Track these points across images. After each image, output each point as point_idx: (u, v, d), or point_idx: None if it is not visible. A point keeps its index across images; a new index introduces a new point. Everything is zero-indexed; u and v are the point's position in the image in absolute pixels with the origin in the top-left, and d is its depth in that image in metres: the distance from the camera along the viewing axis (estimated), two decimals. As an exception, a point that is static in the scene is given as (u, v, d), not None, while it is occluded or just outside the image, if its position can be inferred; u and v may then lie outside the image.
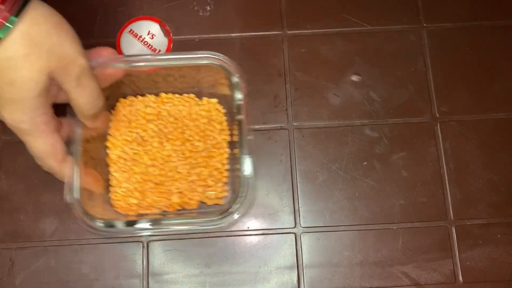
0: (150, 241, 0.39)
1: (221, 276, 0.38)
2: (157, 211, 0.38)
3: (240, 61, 0.43)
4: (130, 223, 0.35)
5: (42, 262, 0.38)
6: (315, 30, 0.44)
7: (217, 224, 0.34)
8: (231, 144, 0.40)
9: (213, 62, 0.37)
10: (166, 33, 0.43)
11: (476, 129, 0.42)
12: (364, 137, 0.41)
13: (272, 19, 0.44)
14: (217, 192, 0.39)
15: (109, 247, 0.39)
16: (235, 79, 0.37)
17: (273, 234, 0.39)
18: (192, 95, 0.41)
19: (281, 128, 0.42)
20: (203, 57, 0.37)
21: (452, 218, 0.40)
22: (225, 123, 0.40)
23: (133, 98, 0.41)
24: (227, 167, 0.39)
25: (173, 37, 0.43)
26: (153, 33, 0.43)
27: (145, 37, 0.42)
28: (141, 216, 0.38)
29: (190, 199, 0.38)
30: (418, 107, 0.42)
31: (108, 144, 0.39)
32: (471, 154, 0.41)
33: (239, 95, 0.37)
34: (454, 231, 0.39)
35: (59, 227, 0.39)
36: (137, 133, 0.39)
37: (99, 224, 0.34)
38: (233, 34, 0.44)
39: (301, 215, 0.40)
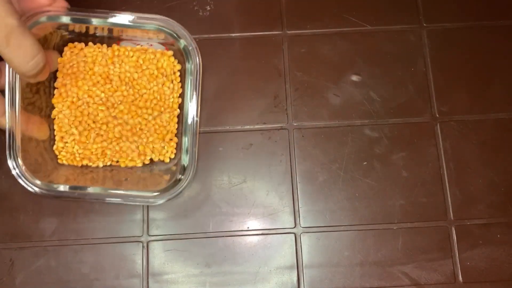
0: (150, 241, 0.39)
1: (221, 276, 0.38)
2: (101, 164, 0.39)
3: (240, 61, 0.43)
4: (72, 188, 0.35)
5: (42, 262, 0.38)
6: (315, 30, 0.44)
7: (158, 199, 0.35)
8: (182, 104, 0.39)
9: (162, 27, 0.36)
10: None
11: (476, 129, 0.42)
12: (364, 137, 0.41)
13: (272, 19, 0.44)
14: (165, 149, 0.39)
15: (109, 247, 0.39)
16: (183, 43, 0.35)
17: (273, 234, 0.39)
18: (145, 47, 0.40)
19: (281, 128, 0.42)
20: (151, 21, 0.35)
21: (452, 218, 0.40)
22: (178, 79, 0.40)
23: (82, 45, 0.39)
24: (176, 126, 0.39)
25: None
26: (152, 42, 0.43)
27: (144, 45, 0.42)
28: (84, 170, 0.39)
29: (133, 158, 0.39)
30: (418, 107, 0.42)
31: (53, 100, 0.39)
32: (471, 154, 0.41)
33: (190, 65, 0.36)
34: (454, 231, 0.39)
35: (59, 227, 0.39)
36: (83, 98, 0.39)
37: (38, 182, 0.34)
38: (233, 34, 0.44)
39: (301, 215, 0.40)
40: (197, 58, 0.36)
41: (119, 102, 0.39)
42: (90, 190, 0.35)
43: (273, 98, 0.42)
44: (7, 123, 0.34)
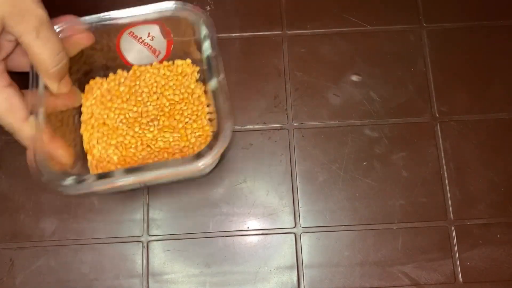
0: (150, 241, 0.39)
1: (221, 276, 0.38)
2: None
3: (240, 61, 0.43)
4: (102, 176, 0.31)
5: (42, 262, 0.38)
6: (315, 30, 0.44)
7: (195, 164, 0.31)
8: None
9: (179, 12, 0.35)
10: (166, 34, 0.43)
11: (476, 129, 0.42)
12: (364, 137, 0.41)
13: (272, 19, 0.44)
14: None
15: (109, 247, 0.39)
16: (204, 30, 0.35)
17: (273, 234, 0.39)
18: (164, 63, 0.40)
19: (281, 128, 0.42)
20: (167, 7, 0.35)
21: (452, 218, 0.40)
22: (201, 86, 0.39)
23: (102, 80, 0.39)
24: (208, 128, 0.38)
25: (174, 38, 0.43)
26: (153, 35, 0.43)
27: (145, 39, 0.42)
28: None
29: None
30: (418, 107, 0.42)
31: (82, 130, 0.38)
32: (471, 154, 0.41)
33: (208, 47, 0.35)
34: (454, 231, 0.39)
35: (59, 227, 0.39)
36: (115, 118, 0.38)
37: (69, 182, 0.31)
38: (233, 34, 0.44)
39: (301, 215, 0.40)
40: (214, 31, 0.35)
41: (153, 115, 0.38)
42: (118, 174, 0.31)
43: (273, 98, 0.42)
44: (29, 132, 0.32)
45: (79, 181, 0.31)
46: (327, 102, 0.42)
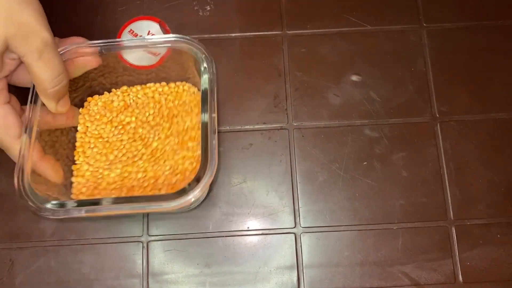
0: (150, 241, 0.39)
1: (221, 276, 0.38)
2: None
3: (240, 61, 0.43)
4: (81, 203, 0.31)
5: (42, 262, 0.38)
6: (315, 30, 0.44)
7: (173, 204, 0.31)
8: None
9: (182, 45, 0.35)
10: (166, 33, 0.43)
11: (476, 129, 0.42)
12: (364, 137, 0.41)
13: (272, 19, 0.44)
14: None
15: (109, 247, 0.39)
16: (204, 65, 0.35)
17: (273, 234, 0.39)
18: (163, 83, 0.40)
19: (281, 128, 0.42)
20: (171, 40, 0.36)
21: (452, 218, 0.40)
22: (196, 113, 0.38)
23: (97, 97, 0.40)
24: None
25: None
26: (153, 33, 0.43)
27: (145, 37, 0.42)
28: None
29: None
30: (418, 107, 0.42)
31: (77, 145, 0.38)
32: (471, 154, 0.41)
33: (205, 81, 0.35)
34: (454, 231, 0.39)
35: (59, 227, 0.39)
36: (112, 132, 0.38)
37: (50, 205, 0.31)
38: (233, 34, 0.44)
39: (301, 215, 0.40)
40: (213, 70, 0.35)
41: (155, 122, 0.38)
42: (104, 202, 0.31)
43: (273, 98, 0.42)
44: (21, 147, 0.32)
45: (61, 206, 0.31)
46: (327, 102, 0.42)
